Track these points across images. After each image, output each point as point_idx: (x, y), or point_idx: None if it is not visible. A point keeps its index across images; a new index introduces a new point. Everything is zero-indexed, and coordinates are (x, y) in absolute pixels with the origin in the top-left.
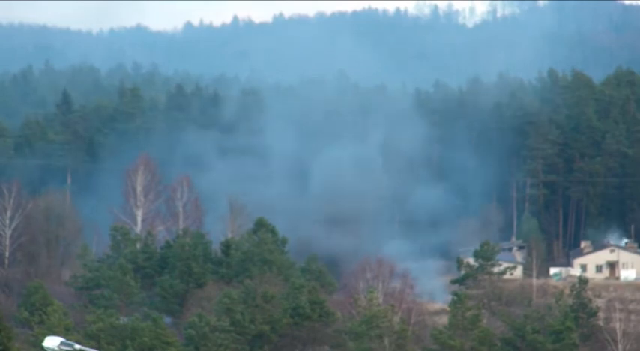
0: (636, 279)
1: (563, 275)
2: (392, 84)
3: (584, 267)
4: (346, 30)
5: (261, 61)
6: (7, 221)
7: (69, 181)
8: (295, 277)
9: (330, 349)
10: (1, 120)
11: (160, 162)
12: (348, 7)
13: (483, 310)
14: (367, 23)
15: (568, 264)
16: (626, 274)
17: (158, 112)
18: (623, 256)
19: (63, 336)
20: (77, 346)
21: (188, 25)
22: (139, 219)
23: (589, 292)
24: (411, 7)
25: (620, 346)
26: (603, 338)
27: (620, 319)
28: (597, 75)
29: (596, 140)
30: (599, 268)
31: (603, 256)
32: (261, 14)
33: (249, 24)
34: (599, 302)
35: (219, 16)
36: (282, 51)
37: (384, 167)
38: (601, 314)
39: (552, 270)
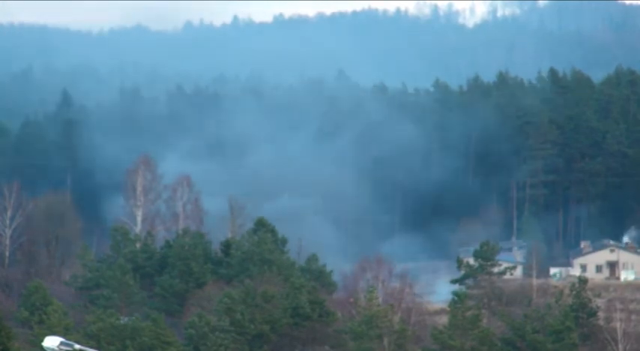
0: (636, 279)
1: (563, 275)
2: (392, 84)
3: (584, 267)
4: (346, 30)
5: (261, 61)
6: (7, 221)
7: (69, 181)
8: (295, 277)
9: (330, 349)
10: (1, 120)
11: (160, 161)
12: (348, 7)
13: (483, 310)
14: (367, 23)
15: (568, 264)
16: (626, 274)
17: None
18: (623, 256)
19: (63, 336)
20: (77, 346)
21: (188, 25)
22: (139, 219)
23: (589, 292)
24: (411, 7)
25: (620, 347)
26: (603, 338)
27: (620, 320)
28: (597, 75)
29: (596, 140)
30: (599, 269)
31: (603, 256)
32: (261, 14)
33: (249, 24)
34: (600, 302)
35: (219, 16)
36: (282, 51)
37: (383, 167)
38: (601, 314)
39: (552, 270)
